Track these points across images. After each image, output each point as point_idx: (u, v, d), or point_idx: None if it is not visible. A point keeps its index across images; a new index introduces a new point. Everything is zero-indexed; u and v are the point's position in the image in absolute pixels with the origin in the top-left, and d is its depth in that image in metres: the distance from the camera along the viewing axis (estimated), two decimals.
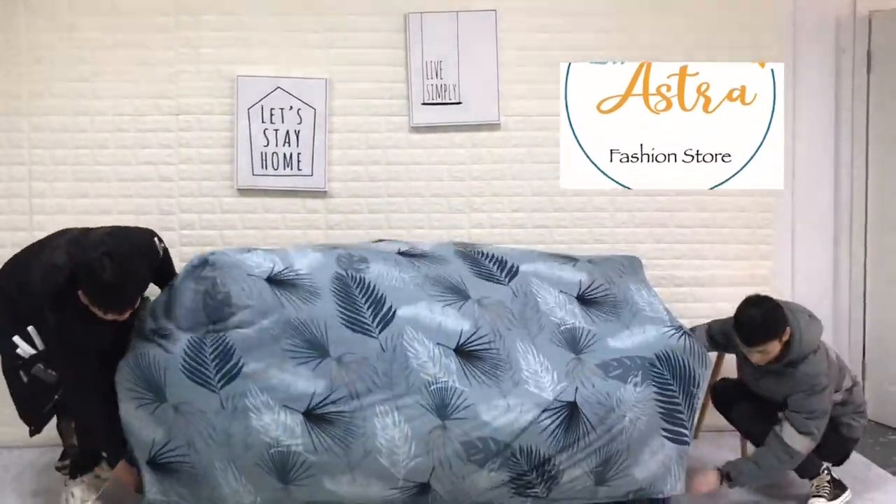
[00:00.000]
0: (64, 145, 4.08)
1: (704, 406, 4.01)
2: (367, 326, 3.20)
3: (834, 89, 4.31)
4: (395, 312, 3.24)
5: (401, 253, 3.59)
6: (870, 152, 4.37)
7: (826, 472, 3.32)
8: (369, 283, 3.31)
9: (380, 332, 3.18)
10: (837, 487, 3.33)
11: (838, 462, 3.42)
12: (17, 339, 3.02)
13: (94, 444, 3.26)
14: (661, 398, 3.14)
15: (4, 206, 4.07)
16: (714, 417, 3.75)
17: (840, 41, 4.33)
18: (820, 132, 4.29)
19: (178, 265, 3.41)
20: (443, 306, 3.33)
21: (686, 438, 3.17)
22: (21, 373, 3.09)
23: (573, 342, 3.34)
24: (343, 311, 3.21)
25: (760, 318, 3.16)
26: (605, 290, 3.56)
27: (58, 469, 3.59)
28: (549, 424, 3.07)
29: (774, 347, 3.15)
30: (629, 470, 3.12)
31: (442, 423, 3.07)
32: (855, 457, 3.83)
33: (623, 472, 3.12)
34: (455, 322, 3.30)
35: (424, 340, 3.21)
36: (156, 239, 3.28)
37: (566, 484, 3.11)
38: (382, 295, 3.28)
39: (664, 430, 3.14)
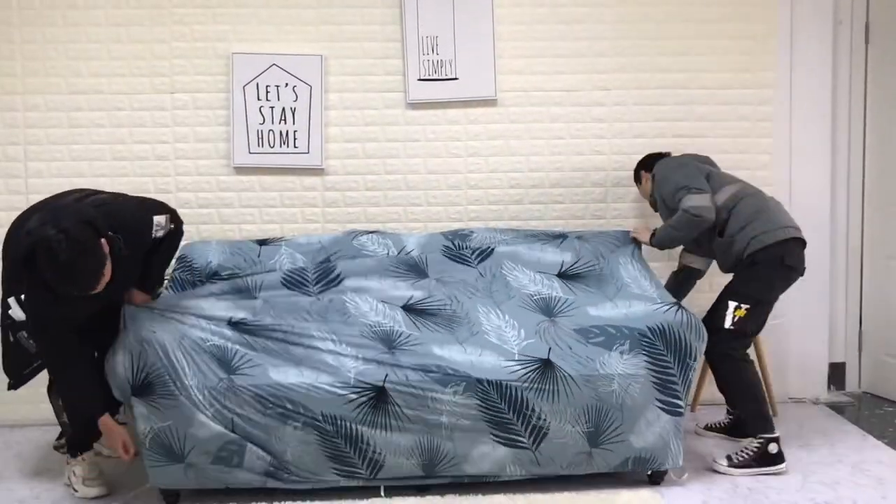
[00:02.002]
0: (60, 124, 4.07)
1: (702, 379, 4.04)
2: (307, 289, 3.25)
3: (831, 62, 4.28)
4: (341, 281, 3.28)
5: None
6: (867, 125, 4.35)
7: (760, 441, 3.30)
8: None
9: (319, 292, 3.20)
10: (763, 461, 3.29)
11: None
12: (11, 300, 2.98)
13: (76, 410, 3.14)
14: (654, 369, 3.12)
15: (1, 187, 4.07)
16: (711, 391, 3.78)
17: (838, 13, 4.30)
18: (817, 105, 4.27)
19: None
20: (395, 281, 3.35)
21: (680, 410, 3.16)
22: (9, 332, 3.11)
23: (546, 309, 3.31)
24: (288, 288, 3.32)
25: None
26: (590, 266, 3.53)
27: (56, 448, 3.61)
28: (520, 369, 3.03)
29: (646, 183, 3.76)
30: (625, 436, 3.10)
31: (391, 352, 3.00)
32: (851, 428, 3.87)
33: (618, 436, 3.09)
34: (405, 291, 3.31)
35: (368, 298, 3.20)
36: (157, 217, 3.11)
37: (557, 441, 3.07)
38: (339, 274, 3.39)
39: (659, 400, 3.13)
